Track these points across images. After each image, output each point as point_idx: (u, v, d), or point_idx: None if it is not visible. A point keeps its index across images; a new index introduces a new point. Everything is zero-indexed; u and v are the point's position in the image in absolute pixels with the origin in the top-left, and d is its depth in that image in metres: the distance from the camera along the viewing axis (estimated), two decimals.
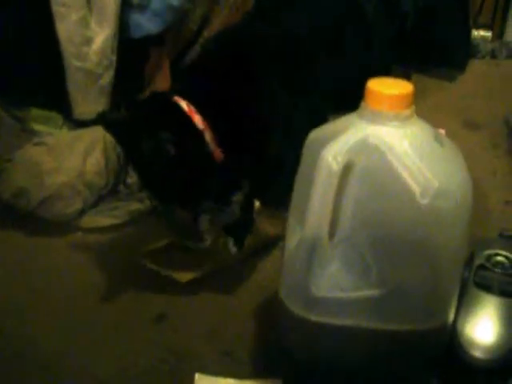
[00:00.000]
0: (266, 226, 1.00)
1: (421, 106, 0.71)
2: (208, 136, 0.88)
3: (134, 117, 0.88)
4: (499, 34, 1.65)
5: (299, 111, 0.94)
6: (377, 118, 0.69)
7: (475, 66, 1.50)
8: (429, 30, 1.39)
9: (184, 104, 0.88)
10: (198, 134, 0.87)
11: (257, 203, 1.00)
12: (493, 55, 1.61)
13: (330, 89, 0.98)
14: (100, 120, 0.91)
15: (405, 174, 0.67)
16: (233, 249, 0.95)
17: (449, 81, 1.43)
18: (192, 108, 0.88)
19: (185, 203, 0.94)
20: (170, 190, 0.90)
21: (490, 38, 1.64)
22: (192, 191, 0.90)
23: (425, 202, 0.66)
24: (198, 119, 0.87)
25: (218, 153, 0.89)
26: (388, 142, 0.68)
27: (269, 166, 0.94)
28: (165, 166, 0.86)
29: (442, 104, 1.35)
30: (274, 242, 1.00)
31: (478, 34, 1.62)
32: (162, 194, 0.92)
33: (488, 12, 1.64)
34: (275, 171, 0.93)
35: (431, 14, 1.39)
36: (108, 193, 1.10)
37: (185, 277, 0.93)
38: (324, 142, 0.70)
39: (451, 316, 0.76)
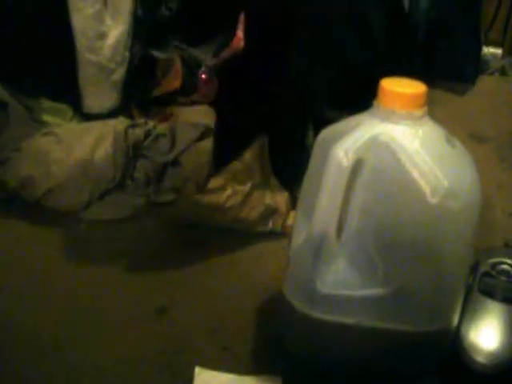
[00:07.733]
0: (265, 197, 1.01)
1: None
2: None
3: None
4: (510, 51, 1.65)
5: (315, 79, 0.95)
6: (389, 116, 0.69)
7: (484, 82, 1.51)
8: (440, 44, 1.40)
9: None
10: None
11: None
12: (503, 72, 1.61)
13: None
14: None
15: (415, 173, 0.67)
16: None
17: (457, 95, 1.44)
18: None
19: None
20: None
21: (500, 55, 1.64)
22: None
23: (434, 201, 0.66)
24: None
25: None
26: (399, 141, 0.68)
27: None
28: None
29: (449, 117, 1.34)
30: (272, 213, 1.02)
31: (488, 50, 1.62)
32: None
33: (499, 29, 1.65)
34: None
35: (442, 27, 1.40)
36: (114, 186, 1.10)
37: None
38: (335, 140, 0.70)
39: (455, 320, 0.76)
